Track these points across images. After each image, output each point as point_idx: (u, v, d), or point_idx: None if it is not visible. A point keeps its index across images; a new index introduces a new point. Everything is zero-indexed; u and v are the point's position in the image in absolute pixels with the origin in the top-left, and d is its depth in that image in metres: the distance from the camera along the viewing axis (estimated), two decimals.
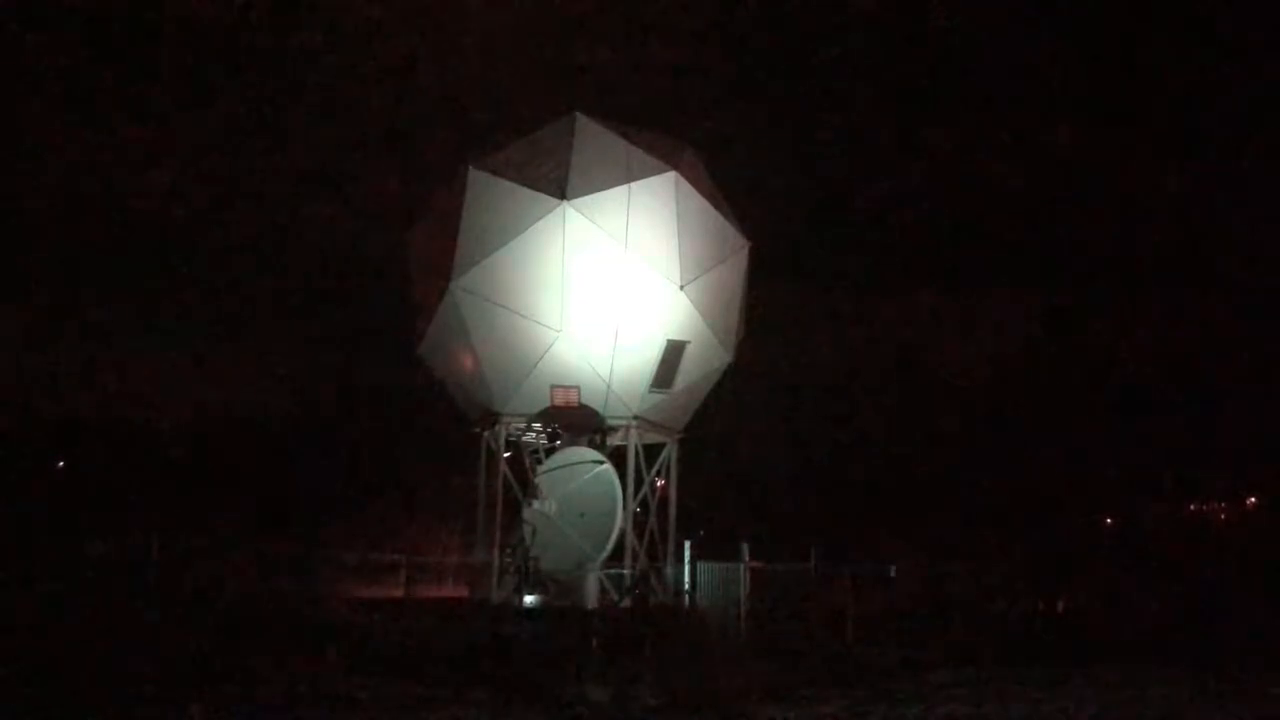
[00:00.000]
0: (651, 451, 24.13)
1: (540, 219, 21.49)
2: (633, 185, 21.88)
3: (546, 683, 12.35)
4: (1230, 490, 39.97)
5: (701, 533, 23.37)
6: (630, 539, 22.11)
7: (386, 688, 11.89)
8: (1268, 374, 41.42)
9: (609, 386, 21.86)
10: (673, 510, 23.98)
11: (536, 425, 23.31)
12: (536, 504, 21.14)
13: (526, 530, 20.98)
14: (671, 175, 22.57)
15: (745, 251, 24.39)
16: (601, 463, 21.75)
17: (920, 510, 33.82)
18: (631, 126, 23.53)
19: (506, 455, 23.58)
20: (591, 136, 22.64)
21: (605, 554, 20.96)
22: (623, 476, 21.97)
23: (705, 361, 23.68)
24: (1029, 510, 34.04)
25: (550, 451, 23.20)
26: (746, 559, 17.09)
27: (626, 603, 19.55)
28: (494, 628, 16.76)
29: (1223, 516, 39.82)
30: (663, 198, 22.38)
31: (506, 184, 22.01)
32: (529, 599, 20.69)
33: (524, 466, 24.39)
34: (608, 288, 21.66)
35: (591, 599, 20.86)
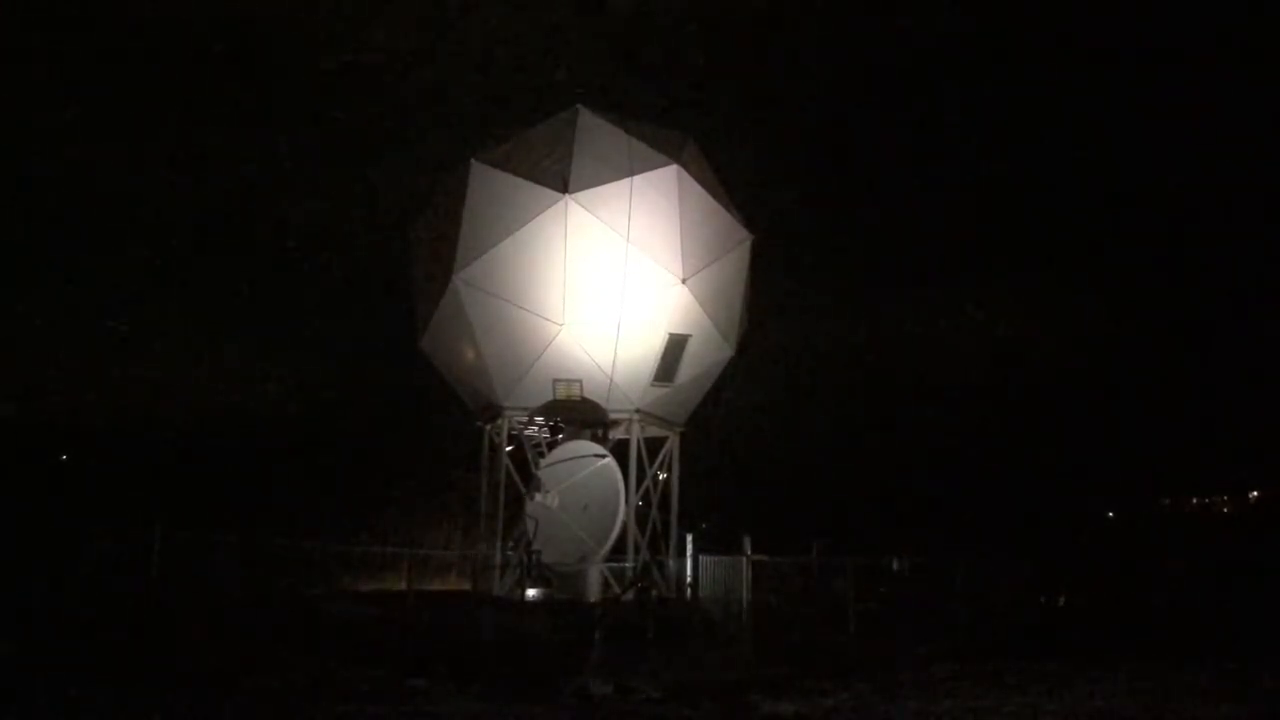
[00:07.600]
0: (654, 445, 24.15)
1: (542, 212, 21.48)
2: (635, 179, 21.85)
3: (549, 675, 12.36)
4: (1233, 484, 39.97)
5: (704, 525, 23.38)
6: (633, 532, 22.13)
7: (389, 681, 11.90)
8: (1269, 366, 41.37)
9: (611, 380, 21.87)
10: (674, 503, 24.02)
11: (539, 419, 23.33)
12: (539, 497, 21.14)
13: (529, 524, 20.98)
14: (673, 168, 22.53)
15: (747, 244, 24.37)
16: (604, 456, 21.76)
17: (923, 503, 33.86)
18: (634, 119, 23.50)
19: (509, 449, 23.61)
20: (594, 129, 22.61)
21: (608, 547, 20.96)
22: (625, 470, 21.98)
23: (707, 355, 23.68)
24: (1033, 504, 34.08)
25: (552, 445, 23.23)
26: (748, 552, 17.08)
27: (629, 596, 19.54)
28: (497, 621, 16.78)
29: (1225, 510, 39.83)
30: (665, 191, 22.36)
31: (509, 177, 22.00)
32: (531, 592, 20.72)
33: (526, 460, 24.42)
34: (610, 281, 21.66)
35: (594, 592, 20.89)
